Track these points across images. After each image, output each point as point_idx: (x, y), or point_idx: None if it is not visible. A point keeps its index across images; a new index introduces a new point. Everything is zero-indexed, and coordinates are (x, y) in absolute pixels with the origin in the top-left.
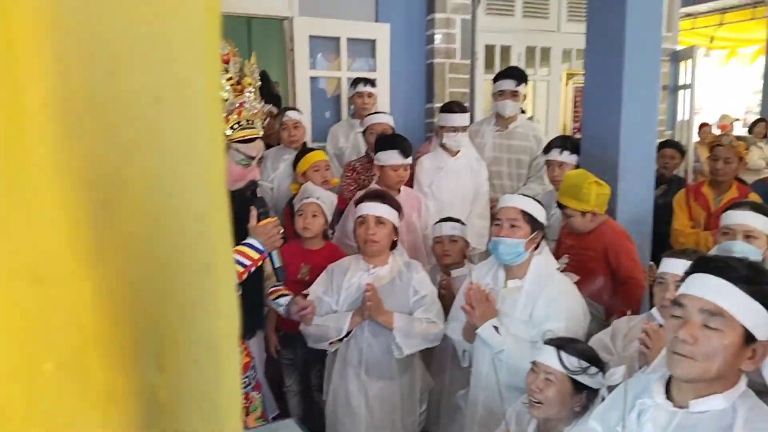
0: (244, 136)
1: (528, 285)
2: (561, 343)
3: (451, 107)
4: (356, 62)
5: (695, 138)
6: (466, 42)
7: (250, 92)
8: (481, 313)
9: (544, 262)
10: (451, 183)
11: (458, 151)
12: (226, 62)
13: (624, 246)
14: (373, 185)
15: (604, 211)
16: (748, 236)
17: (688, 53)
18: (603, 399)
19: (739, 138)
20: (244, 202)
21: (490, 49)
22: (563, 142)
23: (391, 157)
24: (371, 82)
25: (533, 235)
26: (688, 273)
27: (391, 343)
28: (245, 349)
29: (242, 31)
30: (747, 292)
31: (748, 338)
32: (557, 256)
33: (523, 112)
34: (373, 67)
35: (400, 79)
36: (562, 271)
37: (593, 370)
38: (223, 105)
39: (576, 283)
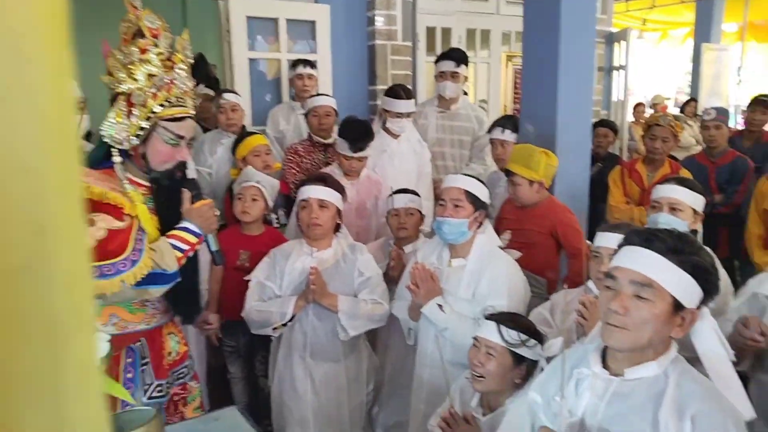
0: (173, 114)
1: (471, 264)
2: (501, 318)
3: (398, 93)
4: (297, 44)
5: (630, 117)
6: (407, 24)
7: (182, 69)
8: (426, 291)
9: (488, 240)
10: (395, 165)
11: (400, 134)
12: (156, 36)
13: (569, 219)
14: (334, 168)
15: (549, 185)
16: (674, 209)
17: (622, 35)
18: (542, 370)
19: (675, 117)
20: (175, 184)
21: (431, 32)
22: (505, 122)
23: (342, 147)
24: (311, 64)
25: (476, 214)
26: (620, 246)
27: (337, 325)
28: (182, 339)
29: (176, 13)
30: (674, 263)
31: (677, 307)
32: (497, 231)
33: (465, 93)
34: (314, 49)
35: (341, 61)
36: (504, 248)
37: (532, 342)
38: (152, 80)
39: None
